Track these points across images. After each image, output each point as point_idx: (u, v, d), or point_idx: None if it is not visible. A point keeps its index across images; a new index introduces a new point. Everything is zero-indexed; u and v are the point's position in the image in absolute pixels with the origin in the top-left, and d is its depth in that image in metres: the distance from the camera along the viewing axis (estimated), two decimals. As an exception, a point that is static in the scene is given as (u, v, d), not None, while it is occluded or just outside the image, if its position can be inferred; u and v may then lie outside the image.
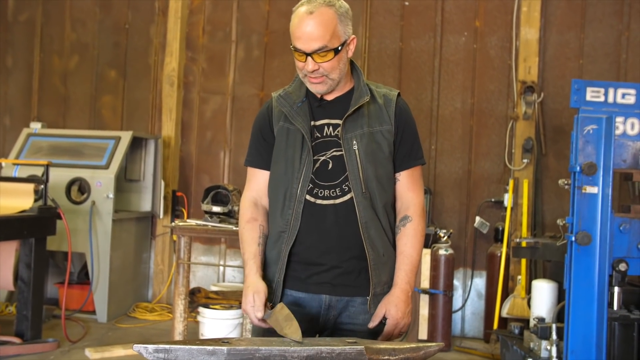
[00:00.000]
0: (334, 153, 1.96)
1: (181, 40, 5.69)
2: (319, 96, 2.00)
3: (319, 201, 1.94)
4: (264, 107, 2.09)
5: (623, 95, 3.04)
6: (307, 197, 1.93)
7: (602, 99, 3.04)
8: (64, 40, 6.06)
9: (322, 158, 1.95)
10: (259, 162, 2.06)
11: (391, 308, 1.93)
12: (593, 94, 3.03)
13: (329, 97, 2.00)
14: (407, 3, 5.38)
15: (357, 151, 1.94)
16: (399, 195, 2.04)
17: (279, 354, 1.56)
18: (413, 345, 1.71)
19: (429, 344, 1.72)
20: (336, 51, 1.87)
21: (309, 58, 1.86)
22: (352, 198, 1.92)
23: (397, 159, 2.01)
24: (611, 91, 3.04)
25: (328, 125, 1.98)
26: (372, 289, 1.94)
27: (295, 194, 1.94)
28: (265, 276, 1.99)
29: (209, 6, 5.75)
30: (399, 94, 2.05)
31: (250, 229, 2.02)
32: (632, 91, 3.05)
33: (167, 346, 1.56)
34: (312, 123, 1.98)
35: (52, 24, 6.10)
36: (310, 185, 1.94)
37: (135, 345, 1.56)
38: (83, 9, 6.03)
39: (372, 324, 1.94)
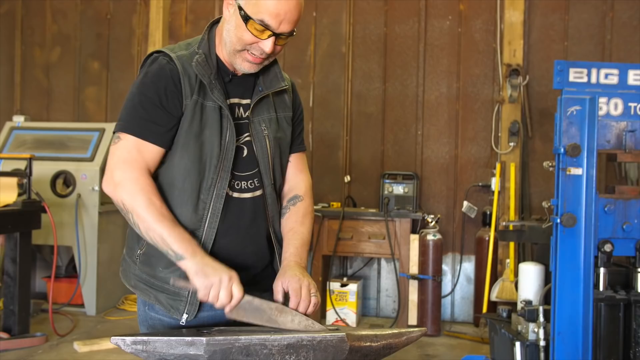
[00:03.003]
0: (247, 138, 1.74)
1: (164, 30, 5.63)
2: (231, 69, 1.73)
3: (236, 194, 1.71)
4: (163, 68, 1.66)
5: (606, 76, 3.03)
6: (228, 189, 1.69)
7: (585, 79, 3.02)
8: (45, 32, 5.99)
9: (237, 144, 1.71)
10: (152, 133, 1.63)
11: (287, 280, 1.67)
12: (576, 75, 3.01)
13: (239, 72, 1.74)
14: (391, -12, 5.34)
15: (266, 137, 1.75)
16: (288, 177, 1.88)
17: (259, 342, 1.54)
18: (395, 331, 1.70)
19: (411, 330, 1.72)
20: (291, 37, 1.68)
21: (272, 39, 1.62)
22: (263, 190, 1.76)
23: (291, 142, 1.88)
24: (594, 72, 3.02)
25: (239, 105, 1.74)
26: None
27: (214, 186, 1.67)
28: (164, 280, 1.69)
29: (192, -5, 5.70)
30: (293, 81, 1.93)
31: (167, 209, 1.63)
32: (615, 71, 3.03)
33: (145, 338, 1.54)
34: (228, 102, 1.71)
35: (33, 15, 6.01)
36: (230, 176, 1.69)
37: (113, 337, 1.53)
38: (64, 0, 5.95)
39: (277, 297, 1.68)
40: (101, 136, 5.17)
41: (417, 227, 4.89)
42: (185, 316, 1.70)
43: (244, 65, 1.69)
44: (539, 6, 5.11)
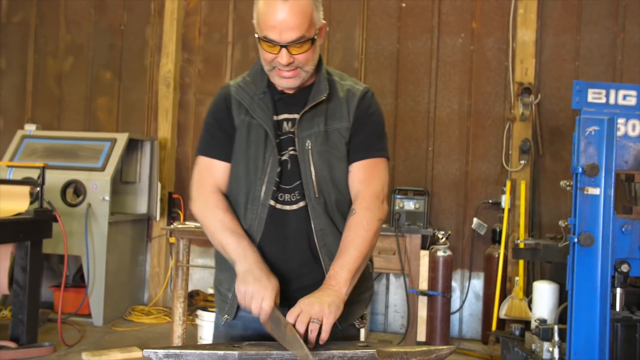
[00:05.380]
0: (291, 152, 1.79)
1: (177, 42, 5.67)
2: (279, 88, 1.80)
3: (279, 206, 1.77)
4: (219, 96, 1.86)
5: (624, 97, 3.05)
6: (271, 201, 1.76)
7: (603, 100, 3.04)
8: (59, 42, 6.02)
9: (282, 158, 1.77)
10: (217, 152, 1.83)
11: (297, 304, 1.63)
12: (594, 96, 3.03)
13: (292, 89, 1.80)
14: (404, 4, 5.38)
15: (309, 151, 1.76)
16: (350, 189, 1.82)
17: (291, 358, 1.54)
18: (424, 348, 1.69)
19: (441, 347, 1.71)
20: (312, 41, 1.67)
21: (283, 50, 1.65)
22: (306, 204, 1.77)
23: (349, 151, 1.81)
24: (612, 92, 3.05)
25: (287, 120, 1.79)
26: None
27: (259, 197, 1.76)
28: (221, 278, 1.85)
29: (205, 7, 5.73)
30: (367, 90, 1.85)
31: (231, 218, 1.77)
32: (633, 92, 3.06)
33: (177, 351, 1.54)
34: (275, 118, 1.79)
35: (47, 25, 6.05)
36: (274, 188, 1.76)
37: (145, 350, 1.53)
38: (78, 10, 5.99)
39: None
40: (112, 146, 5.18)
41: (427, 243, 4.89)
42: (226, 317, 1.82)
43: (281, 82, 1.75)
44: (551, 26, 5.14)
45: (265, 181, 1.76)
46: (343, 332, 1.78)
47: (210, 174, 1.84)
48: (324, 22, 1.74)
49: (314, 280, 1.77)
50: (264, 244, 1.77)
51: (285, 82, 1.74)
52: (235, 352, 1.53)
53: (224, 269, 1.82)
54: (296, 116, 1.78)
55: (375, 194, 1.79)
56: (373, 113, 1.84)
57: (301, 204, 1.78)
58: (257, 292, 1.62)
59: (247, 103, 1.79)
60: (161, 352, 1.54)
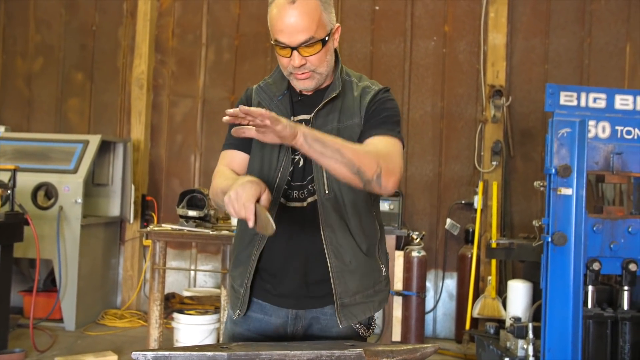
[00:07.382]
0: None
1: (150, 43, 5.62)
2: (298, 90, 1.86)
3: (289, 203, 1.82)
4: (242, 96, 1.97)
5: (594, 100, 3.14)
6: (281, 199, 1.81)
7: (574, 103, 3.13)
8: (28, 42, 5.91)
9: (296, 157, 1.83)
10: (236, 144, 1.89)
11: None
12: (566, 98, 3.11)
13: (309, 91, 1.85)
14: (377, 7, 5.43)
15: None
16: None
17: (279, 358, 1.55)
18: (410, 346, 1.72)
19: (425, 345, 1.74)
20: (323, 42, 1.72)
21: (295, 52, 1.71)
22: (316, 200, 1.80)
23: (362, 133, 1.79)
24: (583, 95, 3.14)
25: (304, 121, 1.82)
26: (338, 299, 1.78)
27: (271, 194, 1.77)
28: (234, 275, 1.91)
29: (179, 9, 5.70)
30: (383, 89, 1.86)
31: (230, 170, 1.86)
32: (603, 95, 3.15)
33: (166, 353, 1.54)
34: (292, 119, 1.82)
35: (15, 24, 5.94)
36: (285, 187, 1.81)
37: (133, 352, 1.53)
38: (48, 10, 5.89)
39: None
40: (85, 148, 5.10)
41: (402, 243, 4.94)
42: (237, 312, 1.87)
43: (298, 84, 1.81)
44: (521, 30, 5.25)
45: (277, 180, 1.81)
46: (344, 336, 1.82)
47: (223, 163, 1.90)
48: (337, 24, 1.79)
49: (319, 277, 1.81)
50: (272, 240, 1.80)
51: (302, 83, 1.79)
52: (225, 354, 1.54)
53: (237, 265, 1.88)
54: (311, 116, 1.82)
55: (382, 155, 1.67)
56: (387, 101, 1.83)
57: (310, 199, 1.82)
58: (238, 194, 1.57)
59: (266, 103, 1.86)
60: (150, 354, 1.54)
